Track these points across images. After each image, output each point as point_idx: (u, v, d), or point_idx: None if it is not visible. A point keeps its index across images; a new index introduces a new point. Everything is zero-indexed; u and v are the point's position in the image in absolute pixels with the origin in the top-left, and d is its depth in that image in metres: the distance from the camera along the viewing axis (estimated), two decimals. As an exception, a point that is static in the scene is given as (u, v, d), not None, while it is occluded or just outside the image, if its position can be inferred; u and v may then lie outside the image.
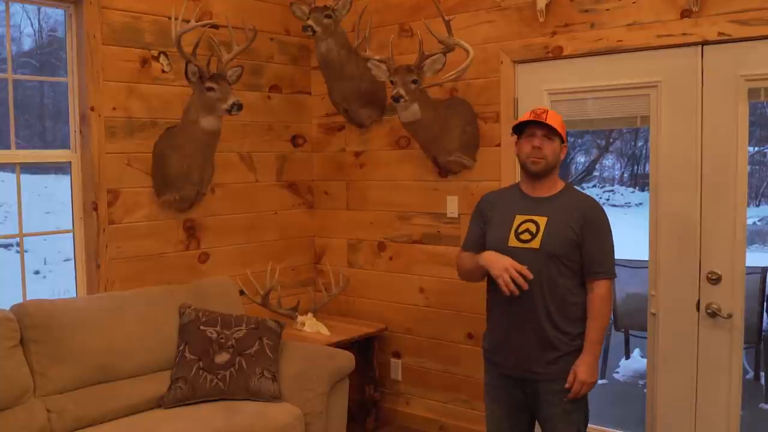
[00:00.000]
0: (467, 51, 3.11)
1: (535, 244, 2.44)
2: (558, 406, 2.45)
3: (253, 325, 3.11)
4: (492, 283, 2.51)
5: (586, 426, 2.53)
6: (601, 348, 2.49)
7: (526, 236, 2.46)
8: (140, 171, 3.36)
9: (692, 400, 2.98)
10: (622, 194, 14.36)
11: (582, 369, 2.42)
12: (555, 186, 2.54)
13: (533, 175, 2.52)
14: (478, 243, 2.61)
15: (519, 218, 2.50)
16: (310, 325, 3.76)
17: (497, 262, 2.41)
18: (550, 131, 2.45)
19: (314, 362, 3.12)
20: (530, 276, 2.37)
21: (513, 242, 2.48)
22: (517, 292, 2.36)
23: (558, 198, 2.52)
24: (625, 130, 12.84)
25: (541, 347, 2.45)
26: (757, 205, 12.30)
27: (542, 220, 2.46)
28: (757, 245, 10.29)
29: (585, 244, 2.44)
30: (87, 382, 2.81)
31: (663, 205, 3.03)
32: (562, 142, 2.51)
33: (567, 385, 2.42)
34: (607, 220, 2.50)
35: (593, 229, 2.45)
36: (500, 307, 2.53)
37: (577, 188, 2.59)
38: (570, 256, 2.43)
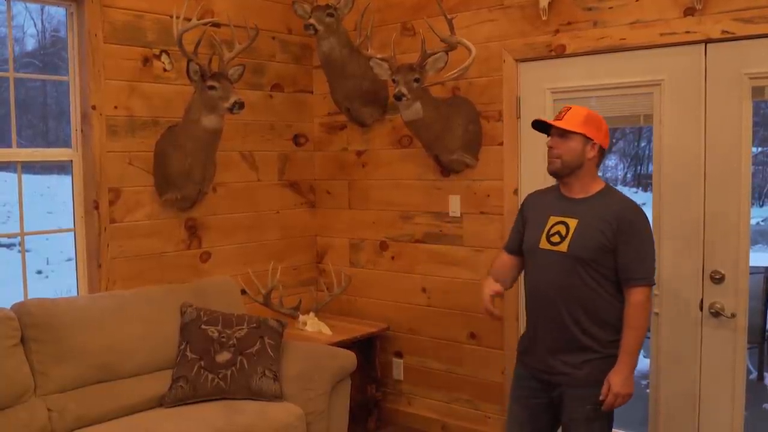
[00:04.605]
0: (469, 49, 3.10)
1: (563, 247, 2.36)
2: (580, 412, 2.38)
3: (254, 325, 3.10)
4: (526, 286, 2.54)
5: None
6: (637, 359, 2.35)
7: (555, 238, 2.40)
8: (142, 170, 3.36)
9: (696, 401, 2.97)
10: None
11: (616, 380, 2.32)
12: (591, 187, 2.42)
13: (552, 175, 2.47)
14: (515, 245, 2.61)
15: (552, 219, 2.44)
16: (311, 324, 3.75)
17: (481, 291, 2.56)
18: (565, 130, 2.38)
19: (316, 362, 3.11)
20: (497, 319, 2.64)
21: (544, 244, 2.43)
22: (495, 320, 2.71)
23: (593, 200, 2.40)
24: (628, 130, 12.80)
25: (567, 350, 2.38)
26: (761, 206, 12.25)
27: (573, 223, 2.38)
28: (760, 245, 10.24)
29: (619, 251, 2.31)
30: (88, 382, 2.81)
31: (666, 204, 3.01)
32: (590, 139, 2.38)
33: (602, 397, 2.34)
34: (645, 224, 2.36)
35: (628, 234, 2.31)
36: (531, 309, 2.52)
37: (617, 190, 2.46)
38: (599, 260, 2.33)
